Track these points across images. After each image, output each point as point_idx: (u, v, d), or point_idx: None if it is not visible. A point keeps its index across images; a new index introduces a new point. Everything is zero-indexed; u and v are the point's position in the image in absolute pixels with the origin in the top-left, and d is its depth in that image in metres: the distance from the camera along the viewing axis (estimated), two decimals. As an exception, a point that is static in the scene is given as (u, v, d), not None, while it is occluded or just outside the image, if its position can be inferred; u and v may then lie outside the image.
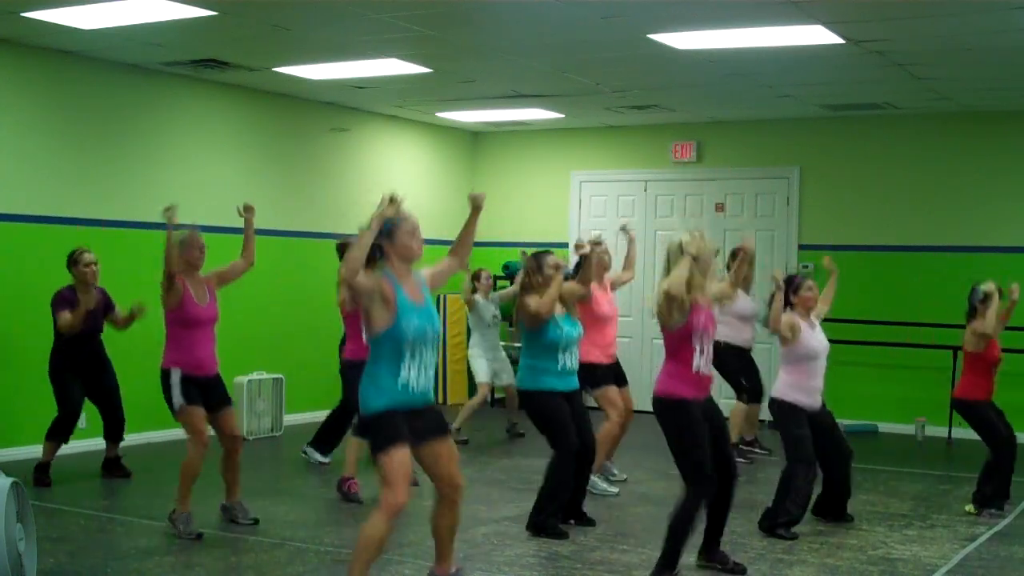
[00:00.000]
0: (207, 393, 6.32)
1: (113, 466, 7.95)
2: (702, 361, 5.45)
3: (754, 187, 11.64)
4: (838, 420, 10.70)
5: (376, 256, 4.73)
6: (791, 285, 6.62)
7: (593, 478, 7.44)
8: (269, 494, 7.42)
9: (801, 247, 11.33)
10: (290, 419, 10.16)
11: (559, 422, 6.40)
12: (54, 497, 7.16)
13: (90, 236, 8.44)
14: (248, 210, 6.74)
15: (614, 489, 7.69)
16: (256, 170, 10.37)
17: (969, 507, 7.14)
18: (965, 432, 10.09)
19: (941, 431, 10.30)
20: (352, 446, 7.37)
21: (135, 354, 8.32)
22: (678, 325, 5.41)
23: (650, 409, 5.64)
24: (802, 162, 11.42)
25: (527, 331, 6.49)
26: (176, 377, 6.19)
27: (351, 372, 6.88)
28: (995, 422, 7.16)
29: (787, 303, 6.54)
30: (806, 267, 11.02)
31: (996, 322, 7.05)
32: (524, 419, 7.86)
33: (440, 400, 12.13)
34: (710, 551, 5.74)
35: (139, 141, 9.31)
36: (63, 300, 7.51)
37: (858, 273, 11.05)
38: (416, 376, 4.72)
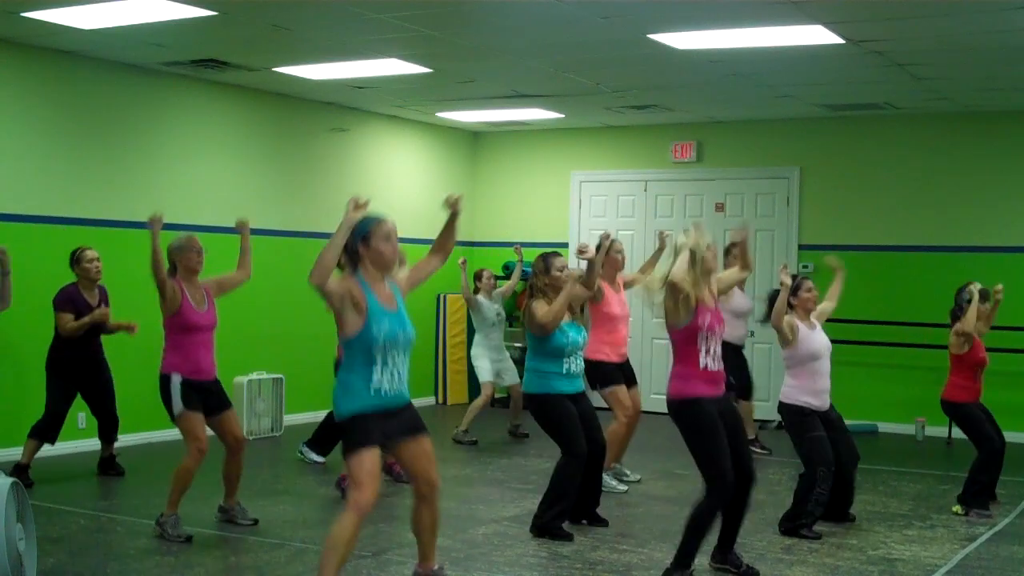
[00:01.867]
0: (207, 398, 6.28)
1: (108, 465, 7.95)
2: (709, 360, 5.37)
3: (754, 187, 11.63)
4: (838, 420, 10.88)
5: (350, 259, 4.71)
6: (790, 287, 6.51)
7: (604, 475, 7.46)
8: (269, 494, 7.42)
9: (801, 247, 11.32)
10: (290, 419, 10.15)
11: (568, 427, 6.34)
12: (54, 497, 7.16)
13: (90, 236, 8.44)
14: (243, 225, 6.72)
15: (623, 487, 7.70)
16: (256, 170, 10.37)
17: (956, 508, 7.13)
18: (965, 432, 10.11)
19: (941, 431, 10.28)
20: None
21: (131, 354, 8.33)
22: (683, 324, 5.35)
23: (655, 410, 5.63)
24: (802, 162, 11.42)
25: (532, 337, 6.46)
26: (176, 382, 6.14)
27: None
28: (982, 421, 7.16)
29: (788, 305, 6.46)
30: (806, 267, 11.02)
31: (977, 322, 7.05)
32: (527, 419, 7.88)
33: (439, 400, 12.14)
34: (723, 553, 5.67)
35: (139, 141, 9.31)
36: (67, 300, 7.54)
37: (858, 273, 11.02)
38: (389, 381, 4.71)
